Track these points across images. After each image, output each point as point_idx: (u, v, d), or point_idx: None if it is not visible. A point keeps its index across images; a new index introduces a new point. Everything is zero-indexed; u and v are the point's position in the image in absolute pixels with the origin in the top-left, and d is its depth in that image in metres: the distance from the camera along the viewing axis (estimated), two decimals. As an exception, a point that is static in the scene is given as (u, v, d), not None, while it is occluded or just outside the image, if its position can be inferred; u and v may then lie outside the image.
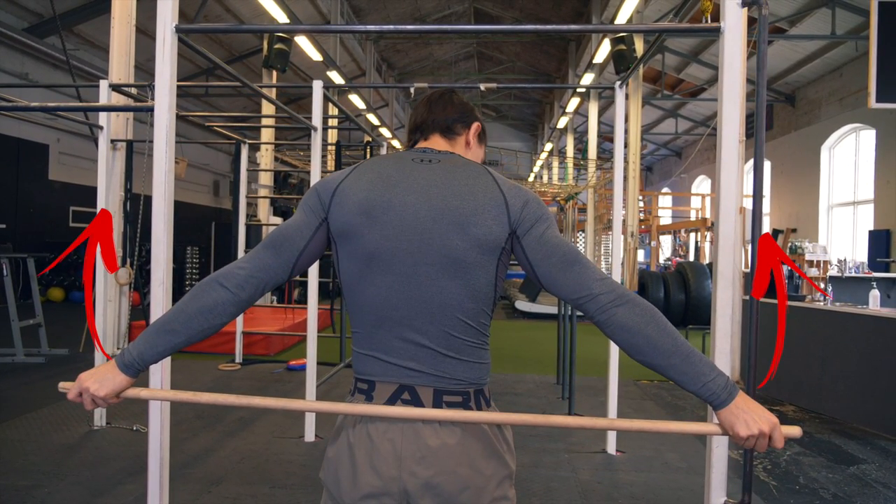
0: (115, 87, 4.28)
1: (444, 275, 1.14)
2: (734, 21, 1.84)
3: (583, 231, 16.73)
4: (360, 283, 1.17)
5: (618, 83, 3.63)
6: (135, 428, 3.85)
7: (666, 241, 17.91)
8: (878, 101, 5.46)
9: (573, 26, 1.92)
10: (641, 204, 14.95)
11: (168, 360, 2.05)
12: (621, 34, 3.87)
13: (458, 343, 1.16)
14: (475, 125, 1.33)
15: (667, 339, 1.06)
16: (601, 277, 1.11)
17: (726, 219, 1.85)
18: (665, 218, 18.52)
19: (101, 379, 1.11)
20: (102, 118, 3.99)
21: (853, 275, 6.64)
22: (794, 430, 1.06)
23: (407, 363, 1.15)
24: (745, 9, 1.91)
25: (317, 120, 3.89)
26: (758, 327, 1.97)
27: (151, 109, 2.00)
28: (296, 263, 1.19)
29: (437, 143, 1.28)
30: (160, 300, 1.99)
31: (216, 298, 1.13)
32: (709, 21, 2.06)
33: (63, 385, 1.15)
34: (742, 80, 1.84)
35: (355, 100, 14.34)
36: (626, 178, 10.00)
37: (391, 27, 2.00)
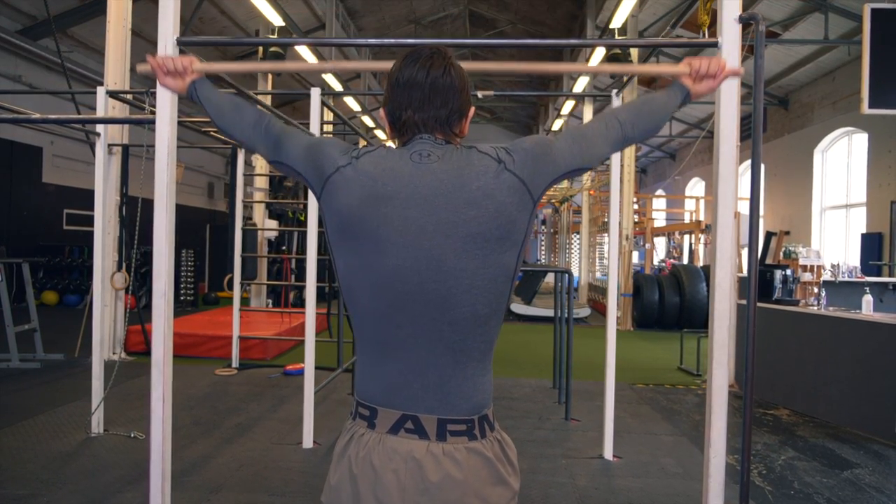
0: (113, 95, 4.27)
1: (450, 297, 1.10)
2: (732, 36, 1.87)
3: (577, 233, 16.78)
4: (362, 303, 1.15)
5: (614, 91, 3.66)
6: (132, 435, 3.84)
7: (660, 243, 17.96)
8: (870, 107, 5.47)
9: (572, 41, 1.94)
10: (636, 206, 14.98)
11: (170, 362, 2.04)
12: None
13: (462, 368, 1.13)
14: (471, 111, 1.21)
15: (645, 109, 1.34)
16: (605, 131, 1.26)
17: (723, 233, 1.87)
18: (659, 220, 18.57)
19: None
20: (99, 125, 3.98)
21: (846, 279, 6.68)
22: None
23: (410, 390, 1.13)
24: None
25: (314, 127, 3.90)
26: (754, 333, 1.99)
27: (151, 122, 2.01)
28: (271, 156, 1.30)
29: (436, 135, 1.17)
30: (162, 311, 2.00)
31: (248, 120, 1.33)
32: (706, 35, 2.08)
33: (142, 66, 1.44)
34: (737, 94, 1.85)
35: (350, 102, 14.34)
36: (620, 181, 10.03)
37: (389, 41, 2.02)
